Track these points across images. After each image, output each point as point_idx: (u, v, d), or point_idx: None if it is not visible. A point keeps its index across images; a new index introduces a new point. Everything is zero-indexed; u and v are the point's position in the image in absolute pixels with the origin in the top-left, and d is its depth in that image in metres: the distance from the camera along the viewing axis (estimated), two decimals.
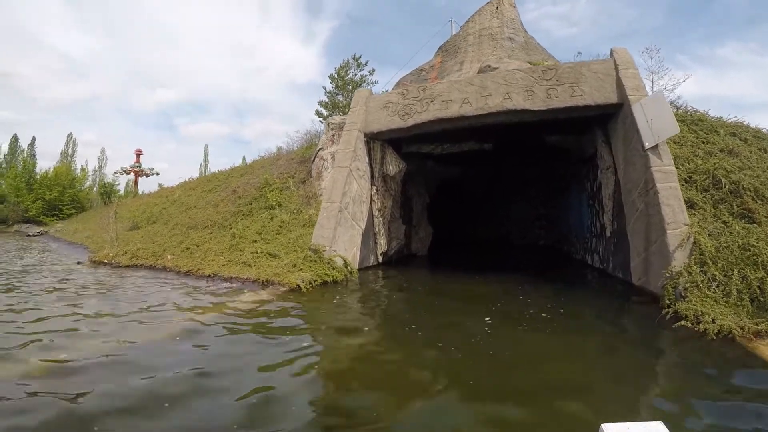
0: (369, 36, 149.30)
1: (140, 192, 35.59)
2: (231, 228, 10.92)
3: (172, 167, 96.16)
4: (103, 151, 58.54)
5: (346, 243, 8.77)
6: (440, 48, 16.50)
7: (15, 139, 45.75)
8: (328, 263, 7.58)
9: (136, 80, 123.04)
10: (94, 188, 44.09)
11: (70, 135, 52.15)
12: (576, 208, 12.79)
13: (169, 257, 9.51)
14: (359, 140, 9.70)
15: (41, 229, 26.47)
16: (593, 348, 4.40)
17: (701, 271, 5.61)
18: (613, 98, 7.61)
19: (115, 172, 41.75)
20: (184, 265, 8.65)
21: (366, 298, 6.86)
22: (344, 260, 8.04)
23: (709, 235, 6.12)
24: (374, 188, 10.32)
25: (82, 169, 49.23)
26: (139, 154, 42.87)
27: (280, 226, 10.33)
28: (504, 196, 19.31)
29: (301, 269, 7.28)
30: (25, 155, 44.95)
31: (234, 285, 7.26)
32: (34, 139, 47.27)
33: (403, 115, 9.45)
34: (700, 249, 5.84)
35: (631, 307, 6.37)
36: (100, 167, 55.69)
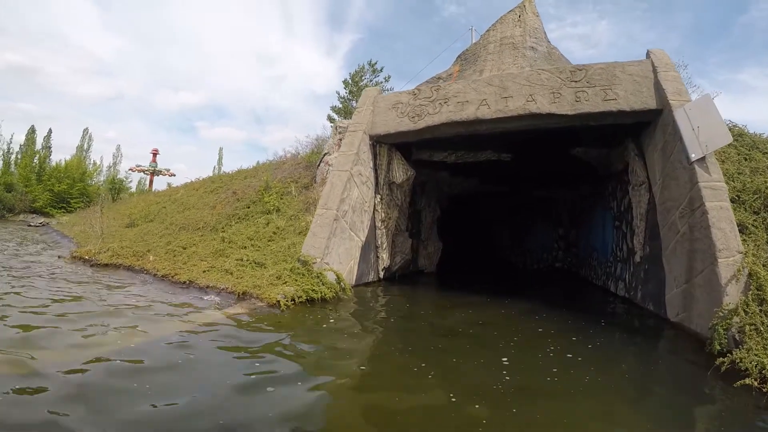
0: (390, 50, 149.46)
1: (154, 191, 35.22)
2: (222, 231, 10.14)
3: (191, 169, 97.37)
4: (118, 148, 57.92)
5: (342, 255, 7.85)
6: (459, 56, 15.64)
7: (32, 131, 45.50)
8: (317, 278, 6.60)
9: (159, 82, 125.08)
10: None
11: (86, 130, 51.89)
12: (599, 229, 11.74)
13: (151, 258, 8.73)
14: (364, 142, 8.83)
15: (43, 220, 26.08)
16: (638, 419, 3.24)
17: (761, 310, 4.61)
18: (651, 103, 6.62)
19: (130, 169, 41.71)
20: (162, 268, 7.83)
21: (356, 323, 5.75)
22: (336, 275, 7.02)
23: (764, 265, 5.13)
24: (378, 197, 9.43)
25: (95, 164, 49.06)
26: (155, 153, 42.81)
27: (274, 233, 9.48)
28: (520, 213, 18.28)
29: (285, 282, 6.38)
30: (39, 147, 44.79)
31: (208, 295, 6.36)
32: (50, 131, 46.98)
33: (413, 117, 8.57)
34: (758, 282, 4.82)
35: (673, 353, 5.26)
36: (115, 164, 55.51)
